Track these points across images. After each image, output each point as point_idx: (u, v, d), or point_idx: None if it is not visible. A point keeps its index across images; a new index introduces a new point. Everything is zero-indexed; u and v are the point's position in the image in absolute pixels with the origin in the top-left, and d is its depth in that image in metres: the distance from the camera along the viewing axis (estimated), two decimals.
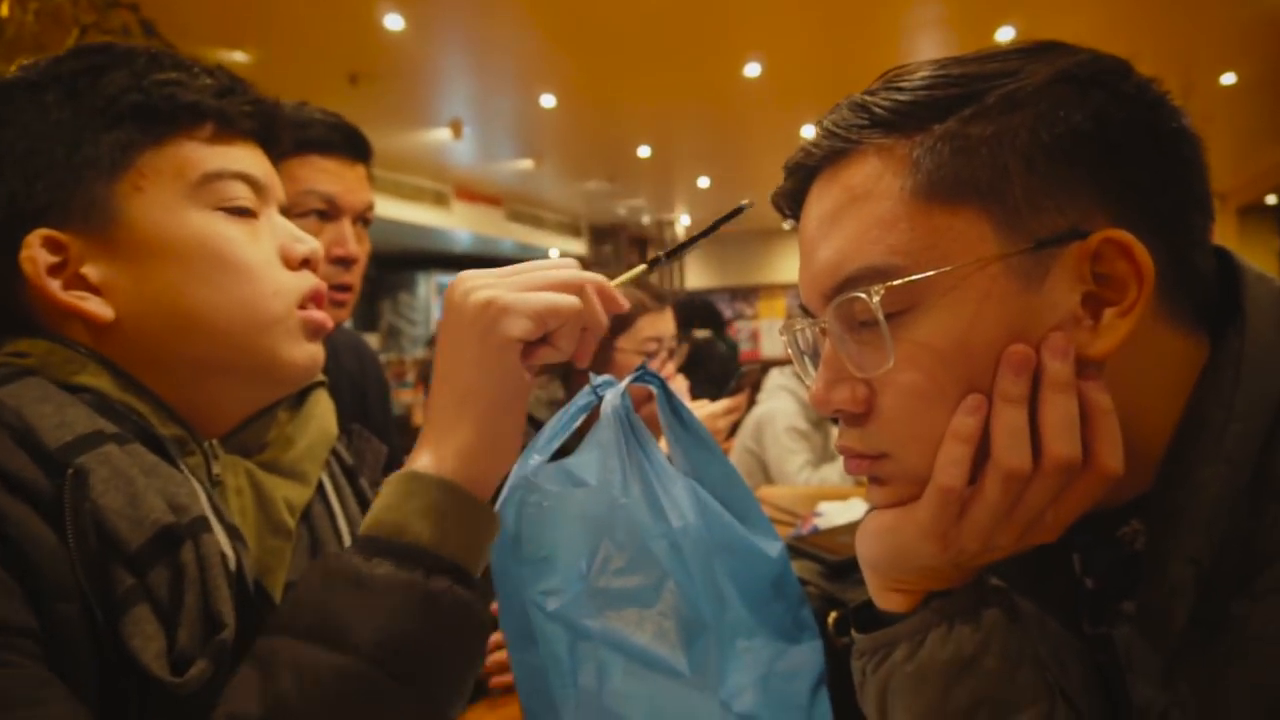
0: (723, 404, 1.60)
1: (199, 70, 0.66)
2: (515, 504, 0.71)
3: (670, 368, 1.73)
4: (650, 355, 1.71)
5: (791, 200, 0.59)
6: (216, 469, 0.64)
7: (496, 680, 1.19)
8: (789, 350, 0.61)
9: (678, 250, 0.67)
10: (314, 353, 0.68)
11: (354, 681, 0.47)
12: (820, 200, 0.55)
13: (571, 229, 10.73)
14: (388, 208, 7.36)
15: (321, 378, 0.77)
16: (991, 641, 0.53)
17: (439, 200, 8.12)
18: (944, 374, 0.49)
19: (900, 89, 0.52)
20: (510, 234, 9.37)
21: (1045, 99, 0.49)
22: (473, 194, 8.54)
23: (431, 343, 7.51)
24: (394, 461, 1.47)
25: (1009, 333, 0.48)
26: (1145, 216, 0.49)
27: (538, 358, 0.55)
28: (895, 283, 0.49)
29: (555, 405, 1.63)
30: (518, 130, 6.84)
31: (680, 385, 1.75)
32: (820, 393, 0.55)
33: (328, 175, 1.24)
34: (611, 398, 0.71)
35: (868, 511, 0.57)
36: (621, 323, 1.70)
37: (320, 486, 0.73)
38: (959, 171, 0.49)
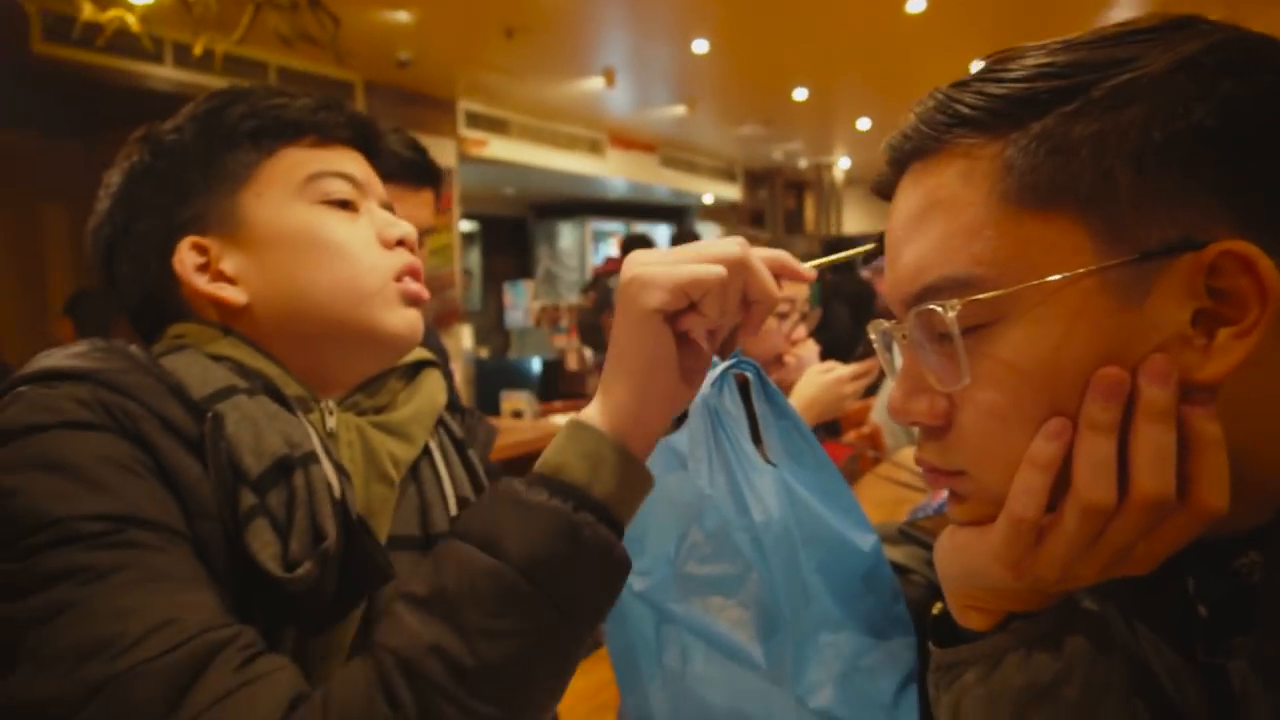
0: (851, 368, 1.56)
1: (300, 95, 0.78)
2: None
3: (801, 330, 1.70)
4: (783, 316, 1.69)
5: (888, 190, 0.56)
6: (331, 423, 0.73)
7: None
8: (879, 352, 0.59)
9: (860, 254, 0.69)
10: (412, 319, 0.76)
11: (501, 582, 0.54)
12: (906, 198, 0.52)
13: (726, 174, 10.58)
14: (543, 156, 7.51)
15: (435, 359, 0.85)
16: (1073, 671, 0.50)
17: (594, 148, 8.21)
18: (1026, 395, 0.46)
19: (998, 81, 0.47)
20: (664, 180, 9.36)
21: (1162, 91, 0.44)
22: (627, 141, 8.57)
23: (586, 289, 7.69)
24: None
25: (1102, 353, 0.44)
26: (1275, 224, 0.44)
27: (686, 324, 0.58)
28: (976, 297, 0.46)
29: None
30: (670, 77, 6.78)
31: (811, 349, 1.72)
32: (898, 402, 0.52)
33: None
34: (703, 386, 0.71)
35: (948, 526, 0.55)
36: None
37: (428, 450, 0.79)
38: (1055, 175, 0.45)
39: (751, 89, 7.13)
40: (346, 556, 0.63)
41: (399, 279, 0.76)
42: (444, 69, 5.98)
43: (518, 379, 6.79)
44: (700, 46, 5.70)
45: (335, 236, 0.73)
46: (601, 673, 1.09)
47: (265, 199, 0.73)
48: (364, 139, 0.81)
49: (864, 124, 8.46)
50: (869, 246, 0.64)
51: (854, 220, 11.33)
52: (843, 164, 10.75)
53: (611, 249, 9.60)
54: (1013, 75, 0.47)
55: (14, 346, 6.28)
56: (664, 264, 0.57)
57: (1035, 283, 0.45)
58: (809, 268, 0.62)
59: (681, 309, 0.57)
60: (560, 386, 6.02)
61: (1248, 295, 0.43)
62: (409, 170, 1.43)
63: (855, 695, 0.64)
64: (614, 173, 8.55)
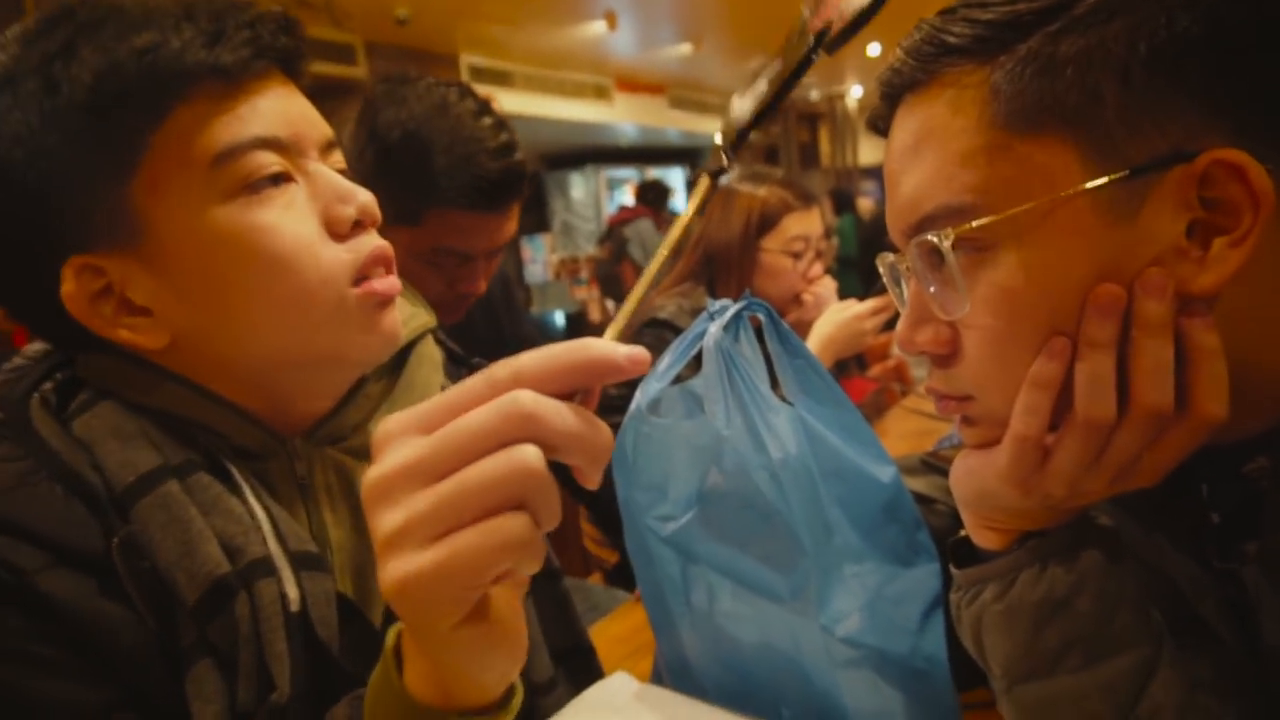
0: (869, 304, 1.56)
1: (173, 14, 0.54)
2: (631, 434, 0.74)
3: (817, 268, 1.69)
4: (797, 255, 1.68)
5: (884, 124, 0.56)
6: (300, 470, 0.61)
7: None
8: (888, 285, 0.59)
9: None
10: (384, 328, 0.60)
11: None
12: (900, 131, 0.52)
13: None
14: (550, 106, 7.43)
15: (430, 324, 0.73)
16: (1087, 583, 0.51)
17: (600, 94, 8.10)
18: (1024, 318, 0.47)
19: (983, 5, 0.47)
20: (674, 122, 9.23)
21: (1145, 2, 0.43)
22: (634, 84, 8.44)
23: (603, 240, 7.65)
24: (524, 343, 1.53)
25: (1098, 271, 0.45)
26: (1269, 129, 0.43)
27: (507, 580, 0.40)
28: (970, 224, 0.46)
29: (699, 313, 1.64)
30: (673, 14, 6.65)
31: (829, 286, 1.71)
32: (904, 333, 0.53)
33: (474, 233, 1.16)
34: (714, 329, 0.72)
35: (961, 449, 0.56)
36: (766, 223, 1.67)
37: None
38: (1042, 96, 0.45)
39: (758, 20, 6.96)
40: (318, 672, 0.54)
41: (360, 281, 0.59)
42: (443, 23, 5.91)
43: (543, 335, 6.82)
44: None
45: (271, 243, 0.55)
46: (638, 616, 1.12)
47: (165, 194, 0.54)
48: (281, 59, 0.58)
49: (874, 50, 8.26)
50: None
51: (870, 150, 11.13)
52: (855, 93, 10.53)
53: (626, 196, 9.52)
54: (995, 1, 0.47)
55: None
56: (423, 529, 0.35)
57: (1027, 206, 0.45)
58: (628, 351, 0.38)
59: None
60: (585, 337, 6.04)
61: (1240, 203, 0.43)
62: (499, 200, 1.16)
63: (881, 622, 0.66)
64: (623, 118, 8.45)
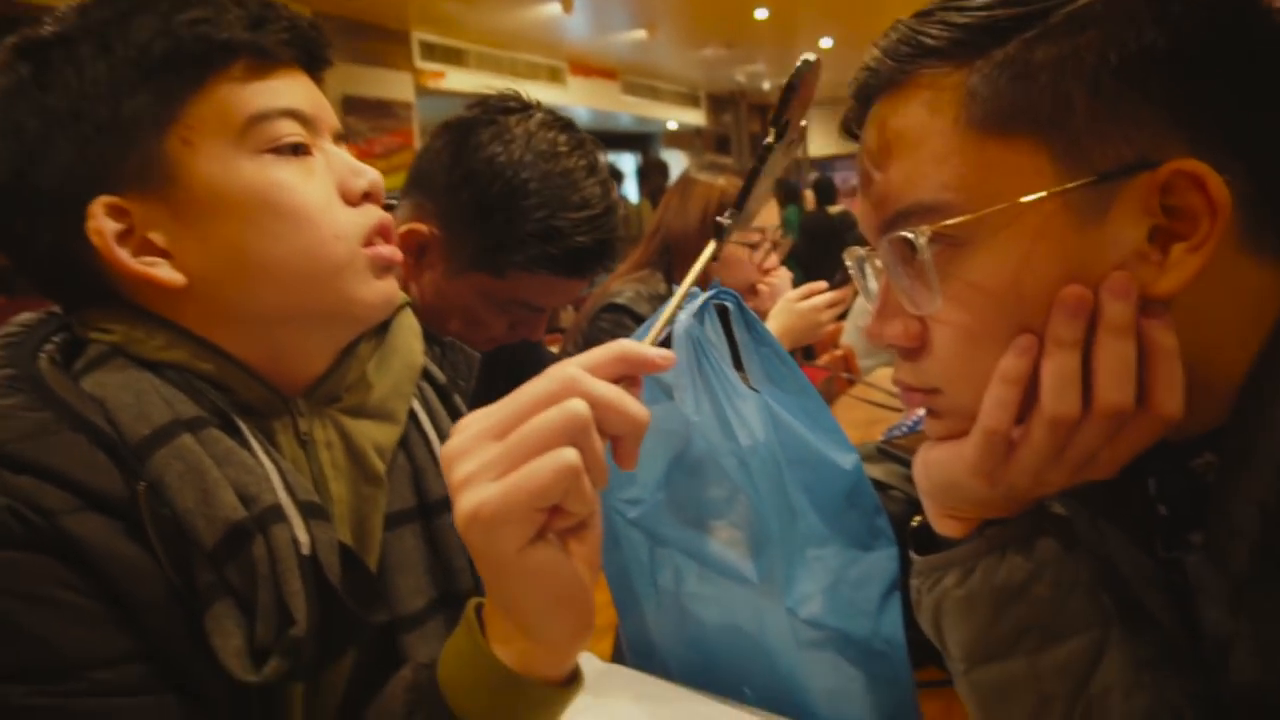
0: (825, 297, 1.59)
1: (226, 2, 0.61)
2: None
3: (773, 259, 1.72)
4: (754, 246, 1.70)
5: (857, 123, 0.57)
6: (304, 426, 0.65)
7: None
8: (854, 278, 0.61)
9: (740, 202, 0.62)
10: (385, 289, 0.65)
11: None
12: (874, 130, 0.53)
13: (689, 99, 10.43)
14: (503, 87, 7.33)
15: (406, 299, 0.77)
16: (1044, 570, 0.53)
17: (554, 76, 8.05)
18: (994, 315, 0.48)
19: (960, 10, 0.48)
20: (627, 107, 9.22)
21: (1116, 14, 0.45)
22: (587, 68, 8.41)
23: None
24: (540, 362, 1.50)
25: (1065, 272, 0.46)
26: (1229, 141, 0.45)
27: (557, 527, 0.46)
28: (944, 223, 0.48)
29: (656, 299, 1.65)
30: (628, 0, 6.63)
31: (784, 276, 1.73)
32: (874, 326, 0.55)
33: (555, 293, 1.12)
34: (684, 317, 0.73)
35: (924, 441, 0.58)
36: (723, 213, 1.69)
37: (414, 415, 0.74)
38: (1016, 101, 0.46)
39: (712, 10, 6.99)
40: (327, 625, 0.57)
41: (369, 243, 0.64)
42: None
43: None
44: None
45: (292, 198, 0.60)
46: (599, 596, 1.13)
47: (198, 148, 0.59)
48: (307, 54, 0.66)
49: (826, 43, 8.35)
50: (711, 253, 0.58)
51: (820, 142, 11.26)
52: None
53: None
54: (975, 4, 0.48)
55: None
56: (492, 473, 0.43)
57: (1000, 207, 0.47)
58: (660, 352, 0.48)
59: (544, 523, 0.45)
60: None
61: (1199, 211, 0.45)
62: (591, 261, 1.09)
63: (843, 604, 0.68)
64: (575, 102, 8.40)
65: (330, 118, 0.67)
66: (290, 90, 0.63)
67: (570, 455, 0.42)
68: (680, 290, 0.55)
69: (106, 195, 0.58)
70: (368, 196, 0.65)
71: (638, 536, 0.73)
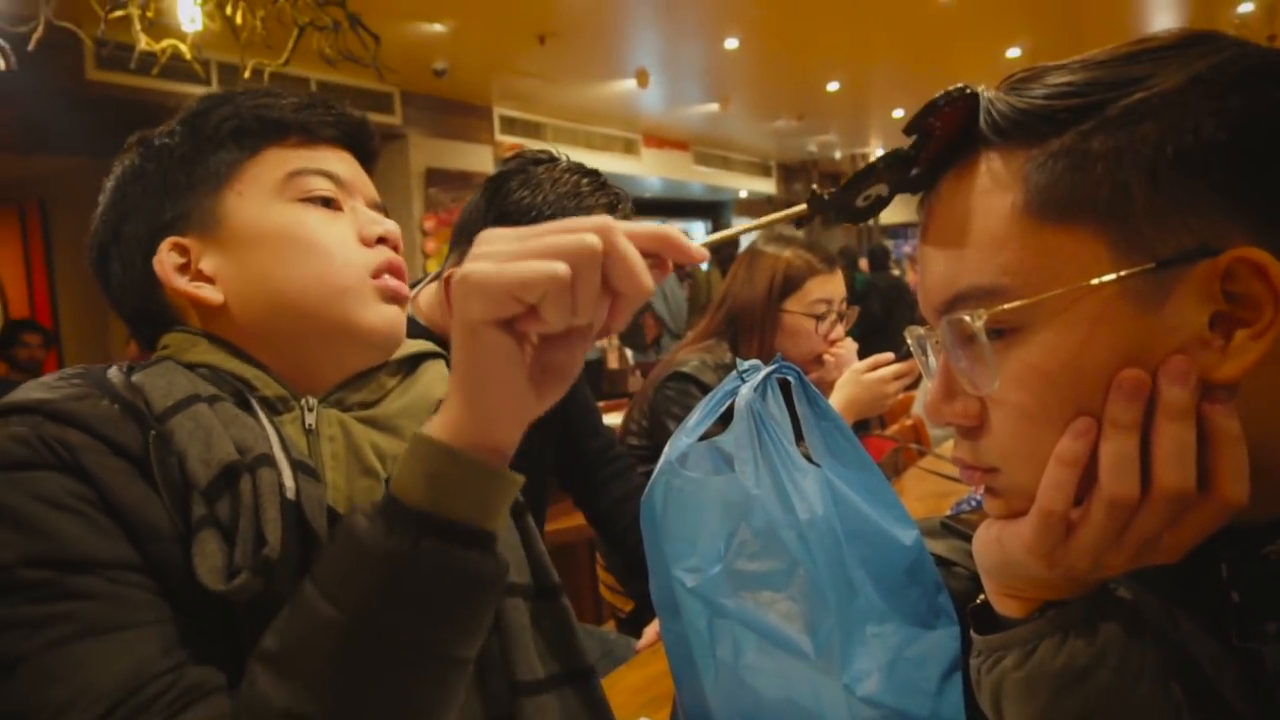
0: (891, 369, 1.58)
1: (287, 95, 0.78)
2: (662, 487, 0.77)
3: (839, 330, 1.72)
4: (819, 317, 1.71)
5: (926, 199, 0.59)
6: (310, 420, 0.73)
7: (641, 645, 1.29)
8: (915, 356, 0.62)
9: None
10: (390, 316, 0.75)
11: (342, 635, 0.53)
12: (939, 208, 0.55)
13: (760, 169, 10.56)
14: (578, 158, 7.55)
15: (440, 351, 0.83)
16: (1107, 655, 0.52)
17: (628, 148, 8.26)
18: (1051, 397, 0.49)
19: (1021, 95, 0.50)
20: (698, 177, 9.38)
21: (1174, 108, 0.46)
22: (660, 140, 8.61)
23: None
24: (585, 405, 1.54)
25: (1123, 356, 0.47)
26: None
27: (525, 327, 0.50)
28: (1002, 307, 0.49)
29: (722, 369, 1.67)
30: (702, 75, 6.80)
31: (850, 347, 1.74)
32: (933, 404, 0.56)
33: None
34: (745, 390, 0.75)
35: (985, 519, 0.58)
36: (789, 285, 1.71)
37: None
38: (1074, 190, 0.47)
39: (784, 83, 7.12)
40: (305, 557, 0.63)
41: (377, 275, 0.75)
42: (479, 76, 6.08)
43: None
44: (732, 43, 5.72)
45: (311, 233, 0.73)
46: (655, 666, 1.13)
47: (246, 198, 0.74)
48: (354, 138, 0.80)
49: (899, 113, 8.39)
50: (790, 212, 0.62)
51: (890, 210, 11.18)
52: (878, 153, 10.67)
53: None
54: (1032, 94, 0.50)
55: (75, 360, 6.51)
56: (496, 258, 0.49)
57: (1057, 292, 0.48)
58: (699, 245, 0.52)
59: (517, 313, 0.49)
60: (603, 385, 6.07)
61: (1261, 299, 0.45)
62: None
63: (901, 683, 0.67)
64: (649, 172, 8.59)
65: (368, 189, 0.80)
66: (329, 159, 0.77)
67: (560, 268, 0.47)
68: (770, 218, 0.64)
69: (173, 237, 0.74)
70: (382, 241, 0.77)
71: (697, 606, 0.74)
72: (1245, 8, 5.51)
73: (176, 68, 2.91)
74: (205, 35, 2.74)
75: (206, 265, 0.73)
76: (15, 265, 7.19)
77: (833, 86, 7.16)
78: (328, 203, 0.75)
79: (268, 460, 0.64)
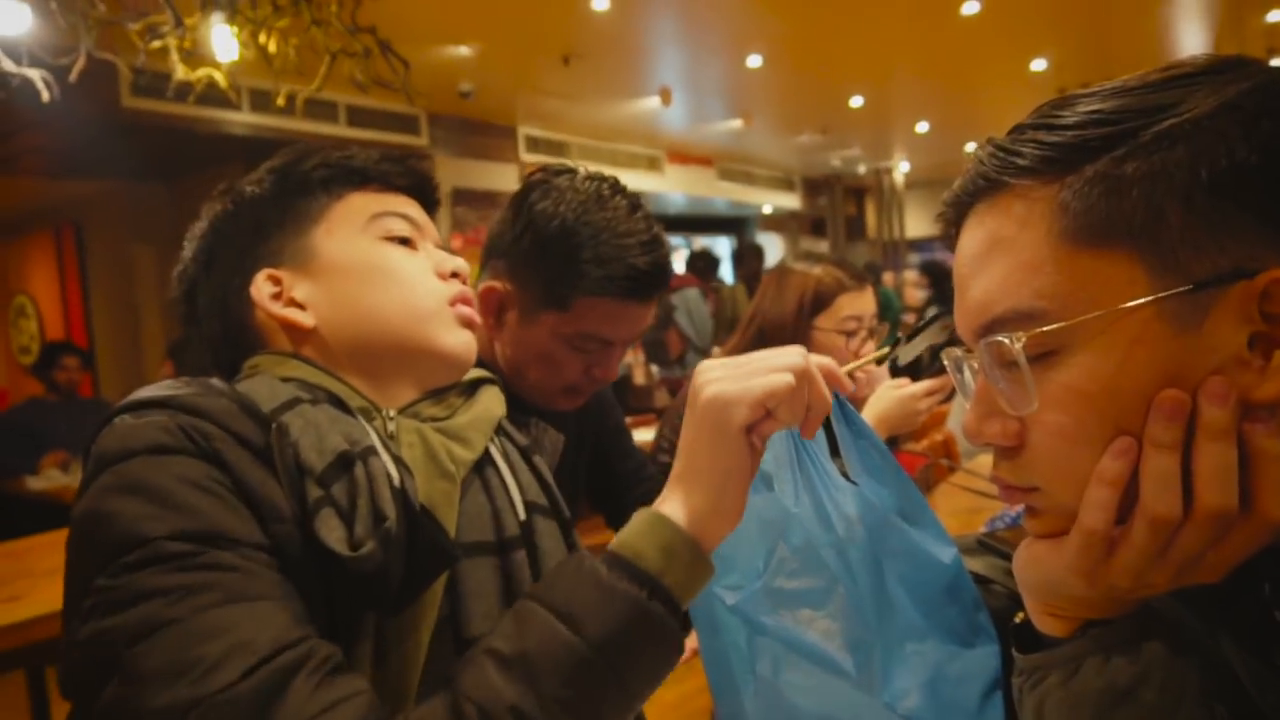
0: (923, 385, 1.58)
1: (366, 149, 0.88)
2: None
3: (869, 346, 1.73)
4: (850, 334, 1.71)
5: (955, 229, 0.60)
6: (392, 428, 0.79)
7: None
8: (952, 377, 0.63)
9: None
10: (466, 339, 0.84)
11: (578, 658, 0.60)
12: (970, 239, 0.56)
13: (785, 184, 10.57)
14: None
15: (493, 377, 0.92)
16: (1151, 674, 0.53)
17: (652, 165, 8.30)
18: (1091, 417, 0.49)
19: (1049, 128, 0.51)
20: (722, 193, 9.40)
21: (1206, 133, 0.47)
22: (684, 156, 8.64)
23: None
24: (617, 429, 1.56)
25: (1162, 377, 0.48)
26: None
27: (764, 430, 0.65)
28: (1040, 330, 0.50)
29: None
30: (725, 92, 6.83)
31: (880, 367, 1.74)
32: (972, 425, 0.56)
33: (620, 321, 1.21)
34: None
35: (1026, 538, 0.58)
36: (820, 302, 1.72)
37: (490, 455, 0.85)
38: (1109, 214, 0.48)
39: (807, 99, 7.13)
40: (410, 540, 0.68)
41: (453, 304, 0.84)
42: (504, 97, 6.15)
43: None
44: (754, 61, 5.74)
45: (396, 265, 0.82)
46: (692, 681, 1.14)
47: (335, 235, 0.82)
48: (421, 188, 0.91)
49: (923, 127, 8.38)
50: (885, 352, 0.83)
51: (916, 223, 11.19)
52: (903, 167, 10.63)
53: (675, 265, 9.64)
54: (1064, 122, 0.51)
55: (109, 380, 6.64)
56: (736, 378, 0.64)
57: (1096, 314, 0.48)
58: (847, 376, 0.75)
59: (762, 418, 0.64)
60: (630, 401, 6.09)
61: None
62: (647, 283, 1.20)
63: (942, 701, 0.68)
64: (673, 188, 8.62)
65: (434, 233, 0.90)
66: (404, 205, 0.87)
67: (790, 377, 0.63)
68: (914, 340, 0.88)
69: (268, 269, 0.82)
70: (455, 275, 0.86)
71: (736, 623, 0.75)
72: (1274, 15, 5.45)
73: (211, 95, 2.97)
74: (239, 63, 2.80)
75: (299, 293, 0.81)
76: (51, 287, 7.34)
77: (856, 101, 7.16)
78: (404, 241, 0.84)
79: (375, 451, 0.71)
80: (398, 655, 0.70)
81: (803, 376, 0.65)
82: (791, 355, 0.65)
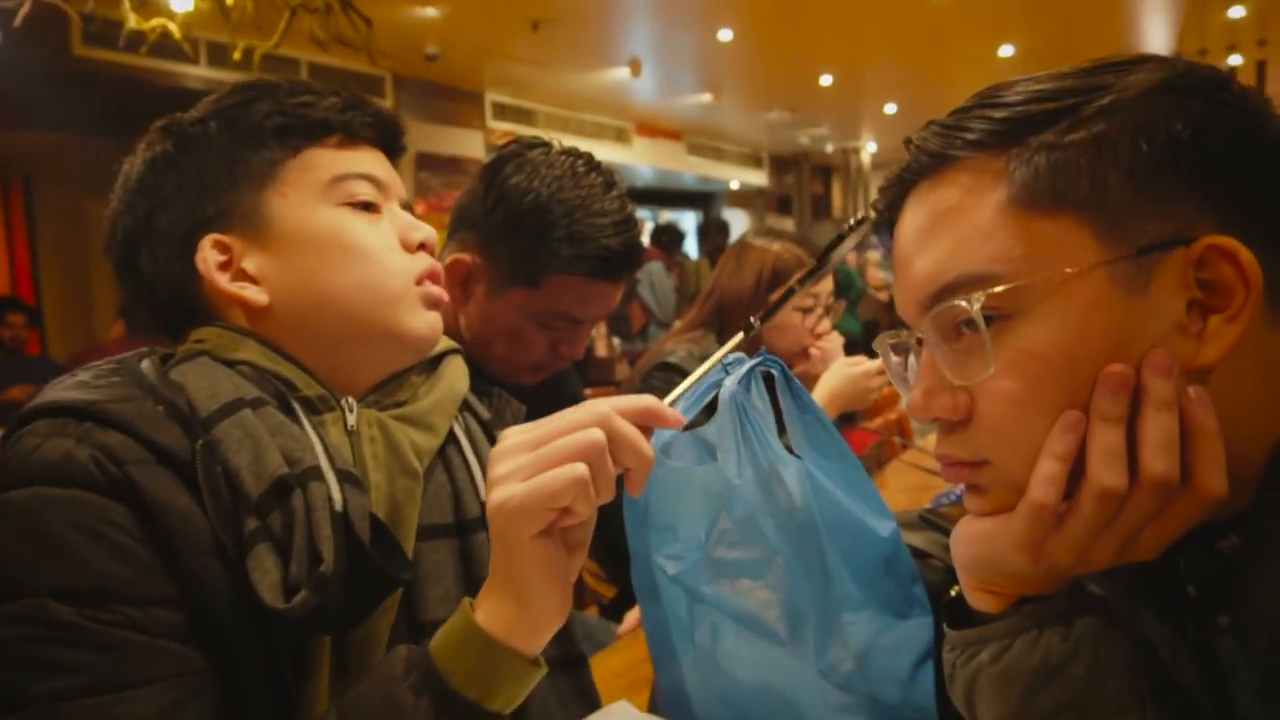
0: (876, 363, 1.60)
1: (327, 92, 0.77)
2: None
3: (825, 324, 1.74)
4: (806, 311, 1.72)
5: (895, 211, 0.60)
6: (352, 421, 0.74)
7: (622, 631, 1.31)
8: (885, 362, 0.63)
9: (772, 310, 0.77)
10: (432, 321, 0.78)
11: None
12: (915, 214, 0.56)
13: (752, 160, 10.57)
14: (569, 145, 7.57)
15: (457, 346, 0.87)
16: (1081, 650, 0.54)
17: (620, 136, 8.25)
18: (1047, 381, 0.50)
19: (996, 105, 0.52)
20: (690, 167, 9.38)
21: (1144, 109, 0.49)
22: (653, 129, 8.60)
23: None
24: (574, 398, 1.57)
25: (1113, 343, 0.49)
26: (1252, 223, 0.48)
27: (562, 524, 0.58)
28: (998, 289, 0.50)
29: (708, 359, 1.68)
30: (696, 65, 6.80)
31: (836, 342, 1.75)
32: (918, 400, 0.56)
33: (589, 300, 1.20)
34: (730, 382, 0.76)
35: (963, 516, 0.59)
36: (778, 279, 1.73)
37: (454, 436, 0.81)
38: (1056, 182, 0.49)
39: (777, 75, 7.13)
40: (352, 570, 0.64)
41: (420, 282, 0.77)
42: (471, 62, 6.05)
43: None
44: (725, 35, 5.72)
45: (360, 240, 0.74)
46: (635, 651, 1.15)
47: (290, 199, 0.74)
48: (386, 138, 0.82)
49: (891, 108, 8.42)
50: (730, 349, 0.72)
51: None
52: (870, 148, 10.69)
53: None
54: (1008, 100, 0.52)
55: (57, 338, 6.48)
56: (520, 476, 0.56)
57: (1049, 275, 0.49)
58: (675, 412, 0.62)
59: (552, 520, 0.57)
60: (591, 373, 6.09)
61: (1232, 283, 0.48)
62: (619, 263, 1.19)
63: (875, 670, 0.69)
64: (641, 161, 8.58)
65: (399, 188, 0.81)
66: (368, 162, 0.78)
67: (582, 470, 0.55)
68: (714, 358, 0.65)
69: (215, 234, 0.73)
70: (422, 247, 0.79)
71: (678, 593, 0.75)
72: (1236, 12, 5.56)
73: (165, 46, 2.88)
74: (195, 15, 2.72)
75: (250, 265, 0.73)
76: None
77: (826, 80, 7.17)
78: (368, 207, 0.76)
79: (317, 474, 0.65)
80: (362, 665, 0.69)
81: (598, 454, 0.56)
82: (587, 430, 0.56)
